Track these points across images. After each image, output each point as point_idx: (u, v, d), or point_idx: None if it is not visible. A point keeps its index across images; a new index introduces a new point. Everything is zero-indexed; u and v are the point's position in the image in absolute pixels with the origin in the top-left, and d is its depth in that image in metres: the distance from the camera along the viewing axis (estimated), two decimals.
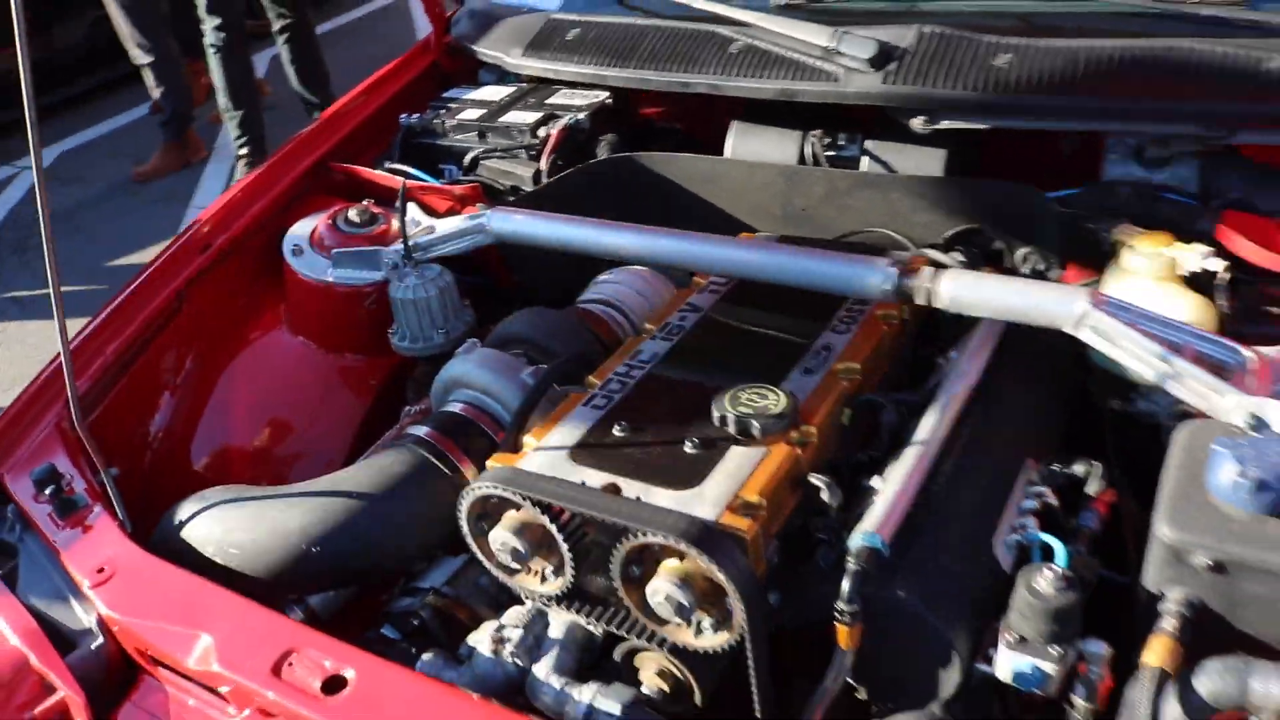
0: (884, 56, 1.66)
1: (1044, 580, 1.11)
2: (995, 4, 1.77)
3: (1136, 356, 1.26)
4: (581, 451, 1.31)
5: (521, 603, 1.38)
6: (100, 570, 1.37)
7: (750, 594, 1.14)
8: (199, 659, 1.24)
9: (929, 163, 1.77)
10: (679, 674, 1.27)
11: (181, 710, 1.32)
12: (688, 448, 1.28)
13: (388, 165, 2.01)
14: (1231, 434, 1.12)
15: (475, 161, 1.98)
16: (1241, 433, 1.14)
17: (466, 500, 1.29)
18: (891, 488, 1.24)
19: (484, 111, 2.05)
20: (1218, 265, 1.37)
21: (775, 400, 1.29)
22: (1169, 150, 1.56)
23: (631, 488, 1.24)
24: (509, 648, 1.31)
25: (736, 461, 1.25)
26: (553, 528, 1.23)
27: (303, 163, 1.98)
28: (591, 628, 1.33)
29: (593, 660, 1.34)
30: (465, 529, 1.32)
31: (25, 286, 4.42)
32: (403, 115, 2.08)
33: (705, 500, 1.20)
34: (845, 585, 1.14)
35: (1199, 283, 1.39)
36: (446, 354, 1.69)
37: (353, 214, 1.84)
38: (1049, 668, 1.11)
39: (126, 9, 4.80)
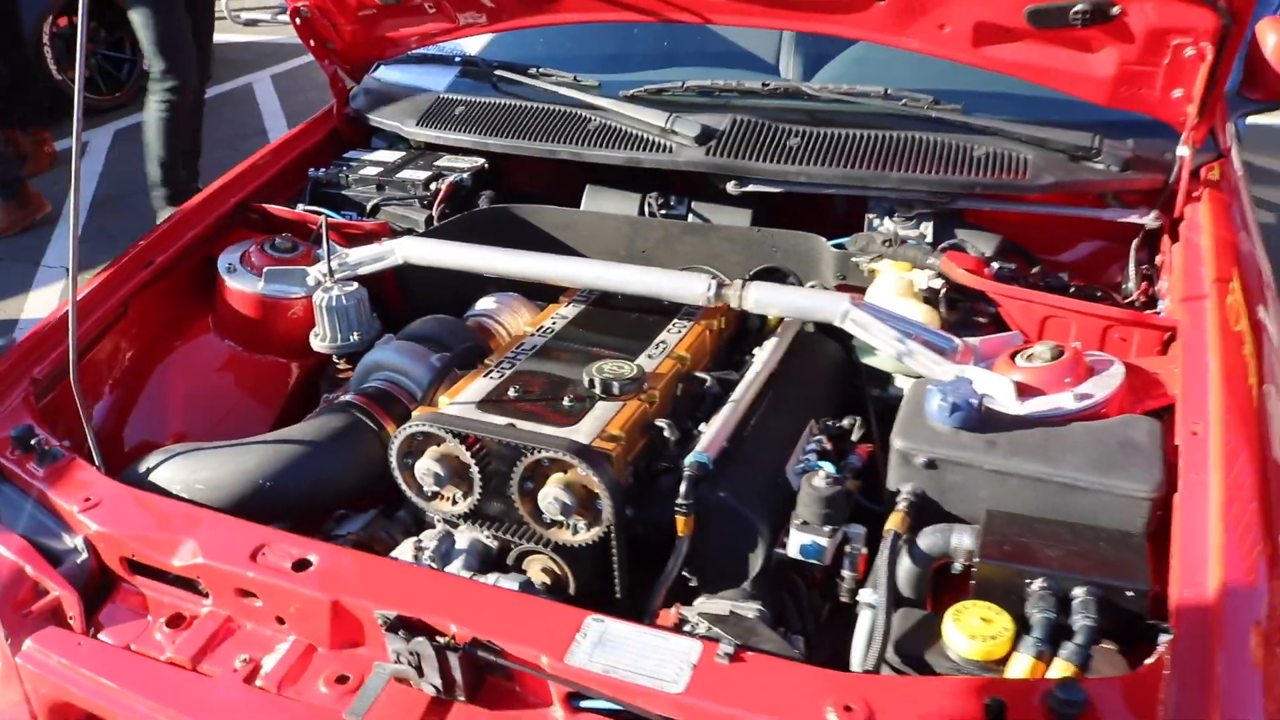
0: (706, 135, 2.20)
1: (819, 479, 1.60)
2: (788, 102, 2.33)
3: (882, 340, 1.79)
4: (485, 405, 1.74)
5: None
6: (87, 499, 1.69)
7: (615, 495, 1.59)
8: (184, 557, 1.58)
9: (739, 218, 2.30)
10: (559, 569, 1.69)
11: (158, 606, 1.64)
12: (565, 401, 1.73)
13: (303, 207, 2.41)
14: (938, 381, 1.66)
15: (377, 208, 2.40)
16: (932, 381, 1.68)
17: (400, 437, 1.70)
18: (712, 429, 1.72)
19: (381, 169, 2.49)
20: (939, 284, 1.94)
21: (630, 369, 1.77)
22: (912, 210, 2.14)
23: (525, 425, 1.68)
24: (426, 555, 1.70)
25: (602, 410, 1.71)
26: (467, 455, 1.65)
27: (227, 203, 2.36)
28: (489, 542, 1.74)
29: (489, 569, 1.74)
30: (394, 464, 1.72)
31: None
32: (311, 169, 2.50)
33: (581, 432, 1.65)
34: (683, 487, 1.60)
35: (929, 298, 1.96)
36: (359, 353, 2.09)
37: (278, 241, 2.23)
38: (824, 542, 1.59)
39: None
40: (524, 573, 1.71)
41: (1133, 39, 1.86)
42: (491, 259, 2.05)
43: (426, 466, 1.68)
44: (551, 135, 2.30)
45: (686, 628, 1.59)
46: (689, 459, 1.64)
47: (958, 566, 1.54)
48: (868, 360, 2.01)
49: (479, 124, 2.39)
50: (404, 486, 1.74)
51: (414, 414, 1.74)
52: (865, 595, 1.54)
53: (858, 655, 1.52)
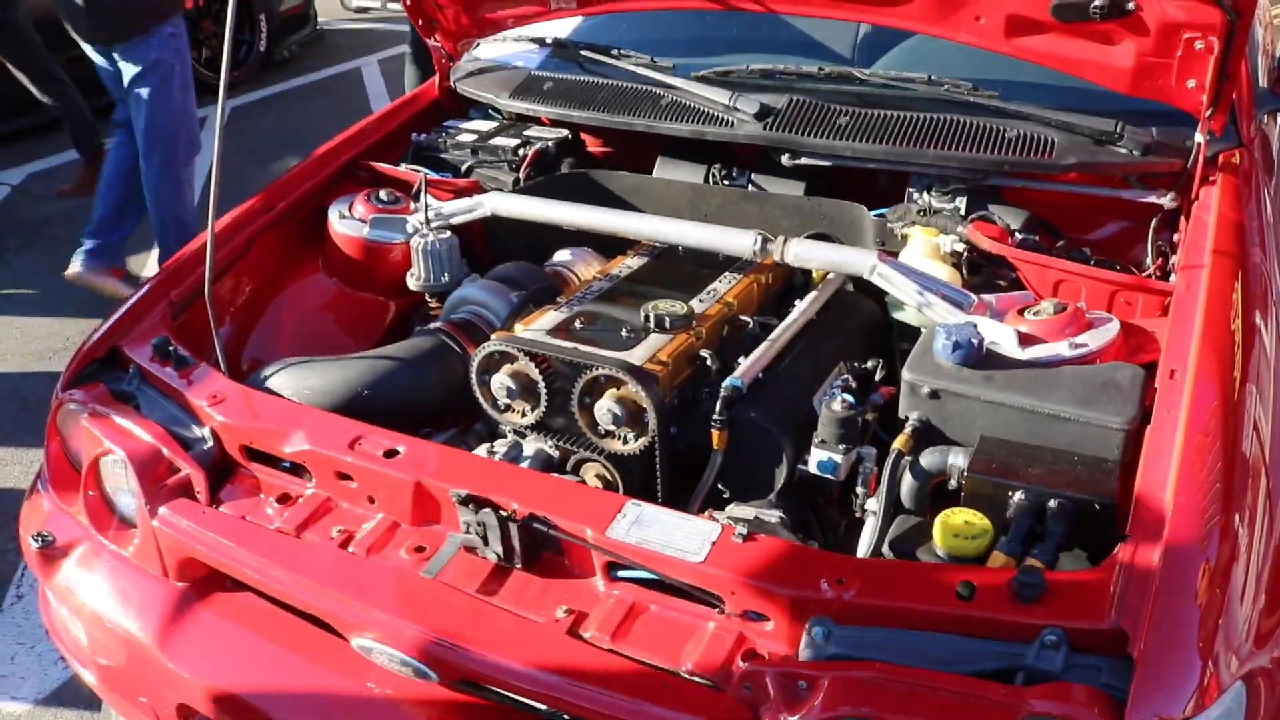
0: (765, 112, 2.44)
1: (837, 403, 1.84)
2: (840, 85, 2.57)
3: (905, 292, 2.02)
4: (554, 332, 2.01)
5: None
6: (214, 397, 2.00)
7: (660, 410, 1.85)
8: (294, 444, 1.88)
9: (793, 188, 2.54)
10: (610, 475, 1.95)
11: (269, 487, 1.95)
12: (624, 333, 2.00)
13: (406, 166, 2.71)
14: (945, 325, 1.89)
15: (470, 169, 2.70)
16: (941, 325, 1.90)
17: (479, 355, 1.98)
18: (749, 362, 1.97)
19: (476, 136, 2.78)
20: (961, 248, 2.16)
21: (681, 308, 2.02)
22: (948, 186, 2.36)
23: (587, 349, 1.95)
24: (497, 457, 1.98)
25: (654, 340, 1.97)
26: (536, 372, 1.93)
27: (340, 159, 2.67)
28: (551, 451, 2.01)
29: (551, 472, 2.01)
30: (474, 379, 2.00)
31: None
32: (414, 134, 2.80)
33: (634, 356, 1.91)
34: (718, 406, 1.85)
35: (953, 261, 2.18)
36: (448, 292, 2.38)
37: (383, 194, 2.54)
38: (839, 459, 1.83)
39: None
40: (579, 477, 1.98)
41: (1148, 32, 2.05)
42: (567, 213, 2.32)
43: (500, 381, 1.95)
44: (628, 110, 2.57)
45: None
46: (726, 383, 1.89)
47: (952, 483, 1.76)
48: (898, 315, 2.23)
49: (565, 98, 2.66)
50: (480, 399, 2.02)
51: (492, 337, 2.02)
52: (871, 504, 1.78)
53: (860, 553, 1.75)
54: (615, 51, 2.75)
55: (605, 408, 1.87)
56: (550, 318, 2.07)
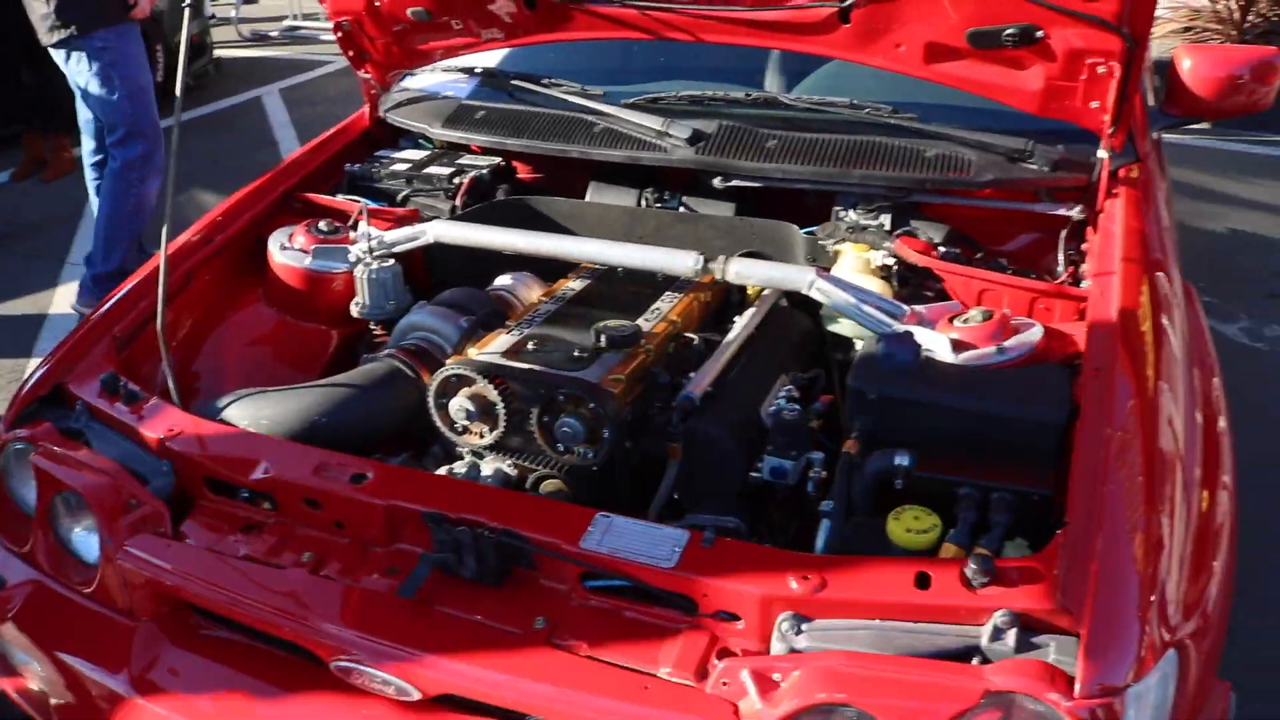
0: (696, 137, 2.54)
1: (786, 411, 1.93)
2: (767, 110, 2.68)
3: (841, 304, 2.13)
4: (509, 354, 2.07)
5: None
6: (171, 430, 2.00)
7: (618, 426, 1.92)
8: (259, 473, 1.89)
9: (724, 210, 2.65)
10: (569, 491, 2.01)
11: (233, 518, 1.96)
12: (576, 353, 2.06)
13: (343, 196, 2.74)
14: (885, 334, 2.00)
15: (406, 198, 2.74)
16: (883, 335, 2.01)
17: (437, 379, 2.02)
18: (699, 377, 2.05)
19: (409, 165, 2.83)
20: (891, 261, 2.28)
21: (630, 327, 2.10)
22: (873, 203, 2.49)
23: (543, 369, 2.01)
24: (457, 479, 2.02)
25: (607, 359, 2.04)
26: (495, 393, 1.98)
27: (275, 192, 2.69)
28: (510, 470, 2.06)
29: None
30: (431, 402, 2.05)
31: None
32: (347, 164, 2.83)
33: (590, 375, 1.98)
34: (674, 419, 1.93)
35: (883, 274, 2.30)
36: (393, 320, 2.42)
37: (323, 225, 2.56)
38: (790, 464, 1.92)
39: None
40: (540, 494, 2.03)
41: (1055, 58, 2.21)
42: (510, 239, 2.38)
43: (459, 404, 2.00)
44: (563, 137, 2.64)
45: None
46: (680, 397, 1.97)
47: (899, 482, 1.87)
48: (833, 328, 2.34)
49: (498, 127, 2.73)
50: (438, 422, 2.07)
51: (449, 361, 2.07)
52: (824, 506, 1.87)
53: (818, 551, 1.84)
54: (545, 80, 2.83)
55: (565, 426, 1.93)
56: (503, 341, 2.12)
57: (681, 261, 2.24)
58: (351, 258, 2.48)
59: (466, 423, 2.02)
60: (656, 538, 1.67)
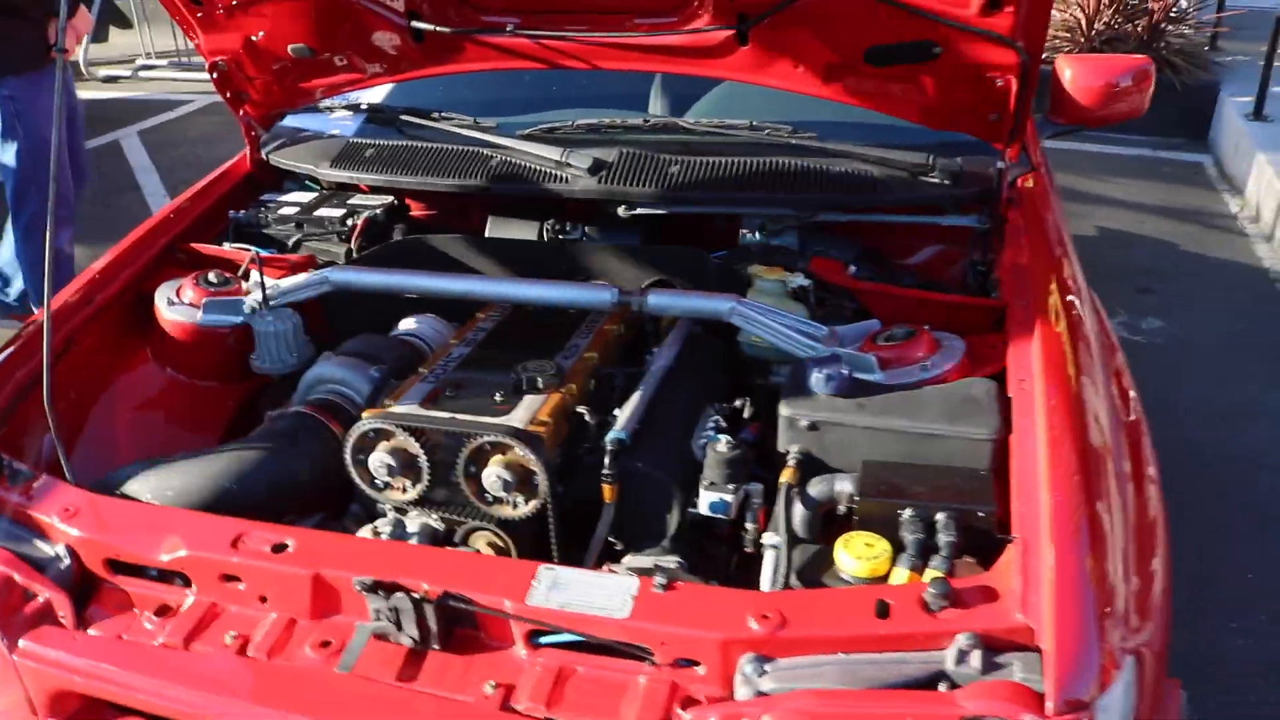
0: (598, 166, 2.49)
1: (721, 445, 1.89)
2: (667, 135, 2.65)
3: (764, 330, 2.11)
4: (427, 403, 1.98)
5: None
6: (66, 510, 1.85)
7: (549, 471, 1.85)
8: (169, 551, 1.76)
9: (629, 239, 2.60)
10: (502, 542, 1.93)
11: (143, 600, 1.81)
12: (497, 397, 1.99)
13: (229, 245, 2.60)
14: (814, 359, 1.98)
15: (299, 244, 2.62)
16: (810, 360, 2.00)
17: (354, 435, 1.92)
18: (626, 413, 1.99)
19: (298, 209, 2.70)
20: (806, 283, 2.27)
21: (550, 367, 2.03)
22: (780, 225, 2.48)
23: (466, 417, 1.92)
24: (383, 538, 1.92)
25: (529, 401, 1.97)
26: (416, 446, 1.89)
27: (157, 244, 2.54)
28: (436, 525, 1.97)
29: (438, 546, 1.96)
30: (349, 460, 1.94)
31: None
32: (231, 211, 2.69)
33: (515, 419, 1.91)
34: (606, 460, 1.87)
35: (799, 296, 2.29)
36: (297, 373, 2.30)
37: (211, 276, 2.42)
38: (729, 498, 1.88)
39: None
40: (470, 548, 1.95)
41: (952, 73, 2.24)
42: (416, 282, 2.29)
43: (379, 459, 1.90)
44: (459, 172, 2.56)
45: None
46: (609, 436, 1.91)
47: (842, 508, 1.85)
48: (752, 353, 2.31)
49: (390, 164, 2.63)
50: (358, 480, 1.96)
51: (365, 415, 1.97)
52: (767, 538, 1.84)
53: (765, 586, 1.81)
54: (435, 114, 2.75)
55: (494, 475, 1.85)
56: (419, 389, 2.03)
57: (597, 296, 2.19)
58: (246, 310, 2.35)
59: (388, 479, 1.93)
60: (606, 588, 1.61)
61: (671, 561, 1.89)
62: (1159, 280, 5.13)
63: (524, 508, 1.88)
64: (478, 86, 3.01)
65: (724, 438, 1.91)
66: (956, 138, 2.42)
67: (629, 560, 1.91)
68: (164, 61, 9.97)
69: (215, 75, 2.63)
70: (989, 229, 2.47)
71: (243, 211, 2.70)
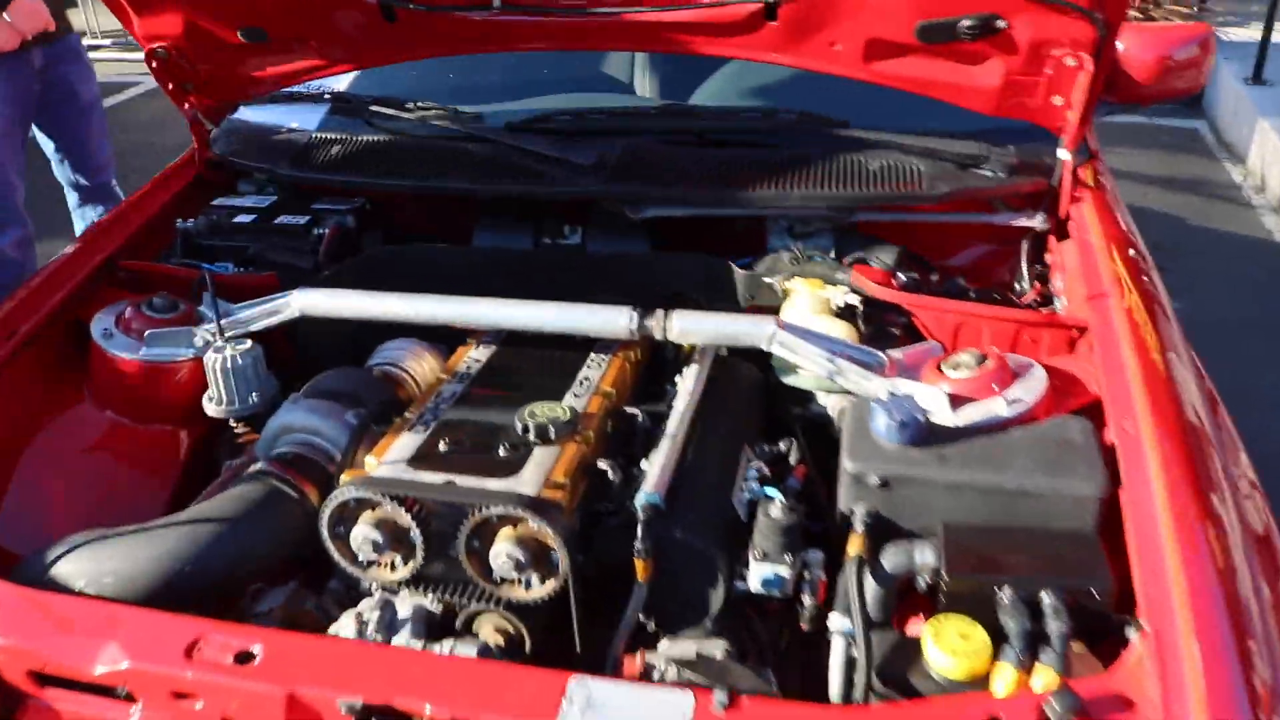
0: (601, 162, 2.16)
1: (775, 509, 1.59)
2: (676, 123, 2.32)
3: (811, 360, 1.79)
4: (417, 461, 1.65)
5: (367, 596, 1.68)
6: None
7: (571, 546, 1.54)
8: (107, 662, 1.43)
9: (635, 243, 2.27)
10: (513, 628, 1.62)
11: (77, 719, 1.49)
12: (501, 451, 1.66)
13: (178, 261, 2.25)
14: (881, 400, 1.67)
15: (258, 258, 2.27)
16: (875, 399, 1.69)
17: (331, 506, 1.59)
18: (656, 467, 1.68)
19: (255, 216, 2.35)
20: (855, 300, 1.96)
21: (563, 412, 1.71)
22: (811, 226, 2.17)
23: (464, 481, 1.60)
24: (370, 628, 1.60)
25: (541, 456, 1.65)
26: (407, 518, 1.56)
27: (92, 262, 2.18)
28: (432, 607, 1.65)
29: (438, 635, 1.65)
30: (325, 534, 1.62)
31: None
32: (179, 220, 2.33)
33: (525, 483, 1.59)
34: (640, 531, 1.55)
35: (843, 314, 1.97)
36: (258, 414, 1.96)
37: (156, 301, 2.07)
38: (785, 572, 1.58)
39: None
40: (476, 635, 1.63)
41: (1017, 51, 1.93)
42: (396, 306, 1.95)
43: (363, 534, 1.58)
44: (440, 171, 2.23)
45: (655, 675, 1.55)
46: (640, 500, 1.59)
47: (922, 583, 1.55)
48: (789, 380, 2.00)
49: (361, 163, 2.29)
50: (337, 556, 1.64)
51: (343, 479, 1.64)
52: (836, 623, 1.53)
53: (836, 685, 1.51)
54: (411, 104, 2.40)
55: (504, 553, 1.53)
56: (406, 442, 1.70)
57: (613, 321, 1.87)
58: (198, 341, 2.01)
59: (374, 555, 1.60)
60: (653, 708, 1.30)
61: (717, 648, 1.59)
62: (1169, 259, 4.82)
63: (539, 589, 1.57)
64: (445, 70, 2.65)
65: (777, 498, 1.60)
66: (998, 123, 2.11)
67: (667, 648, 1.60)
68: (109, 41, 9.45)
69: (154, 64, 2.26)
70: (1048, 228, 2.17)
71: (191, 221, 2.34)
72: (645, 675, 1.55)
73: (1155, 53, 2.38)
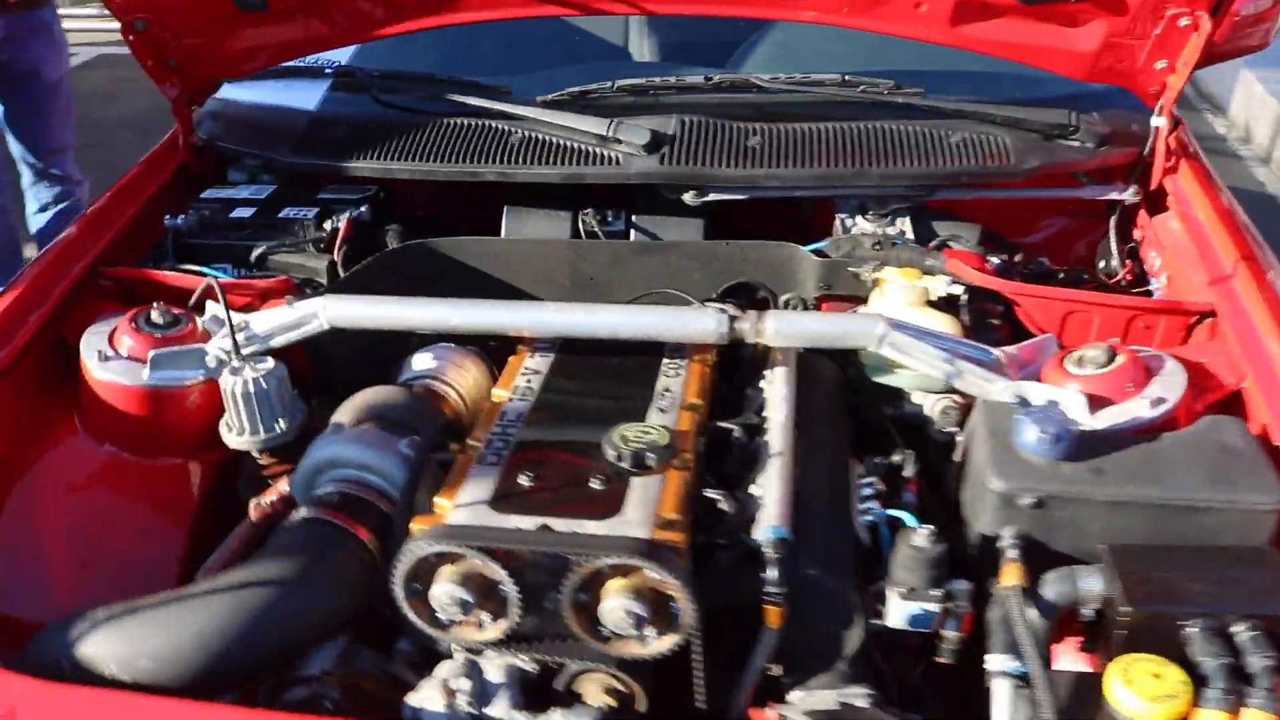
0: (657, 141, 1.94)
1: (920, 538, 1.40)
2: (733, 96, 2.09)
3: (926, 362, 1.60)
4: (500, 502, 1.43)
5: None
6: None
7: (695, 595, 1.33)
8: None
9: (690, 230, 2.05)
10: (623, 687, 1.41)
11: None
12: (594, 484, 1.44)
13: (170, 266, 1.97)
14: (1016, 410, 1.49)
15: (263, 258, 2.00)
16: (1021, 409, 1.51)
17: (408, 561, 1.36)
18: (773, 493, 1.47)
19: (255, 209, 2.07)
20: (958, 290, 1.77)
21: (660, 434, 1.49)
22: (886, 207, 1.97)
23: (561, 524, 1.38)
24: (461, 699, 1.38)
25: (642, 489, 1.43)
26: (501, 572, 1.34)
27: (73, 270, 1.89)
28: (527, 666, 1.44)
29: (536, 702, 1.44)
30: (400, 593, 1.39)
31: None
32: (167, 217, 2.05)
33: (633, 524, 1.37)
34: (774, 572, 1.35)
35: (946, 306, 1.79)
36: (287, 444, 1.72)
37: (155, 315, 1.80)
38: (934, 608, 1.40)
39: None
40: (579, 696, 1.43)
41: (1126, 11, 1.75)
42: (447, 314, 1.71)
43: (448, 592, 1.35)
44: (470, 154, 1.98)
45: None
46: (765, 535, 1.39)
47: (1088, 613, 1.38)
48: (881, 379, 1.81)
49: (378, 147, 2.03)
50: (413, 617, 1.41)
51: (414, 528, 1.41)
52: (997, 663, 1.36)
53: None
54: (429, 78, 2.13)
55: (620, 609, 1.32)
56: (481, 478, 1.47)
57: (699, 325, 1.66)
58: (210, 362, 1.75)
59: (460, 615, 1.38)
60: None
61: (859, 696, 1.40)
62: None
63: (658, 643, 1.36)
64: (466, 41, 2.39)
65: (924, 529, 1.41)
66: (1075, 87, 1.94)
67: (803, 700, 1.41)
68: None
69: (133, 38, 1.96)
70: (1138, 202, 2.00)
71: (181, 217, 2.06)
72: None
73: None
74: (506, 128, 2.02)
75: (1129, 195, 1.98)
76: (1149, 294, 1.92)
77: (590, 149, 1.96)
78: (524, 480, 1.46)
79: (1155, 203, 1.99)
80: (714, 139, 1.94)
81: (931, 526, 1.41)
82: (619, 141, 1.94)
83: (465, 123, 2.04)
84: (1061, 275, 1.93)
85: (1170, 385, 1.56)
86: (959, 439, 1.68)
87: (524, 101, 2.06)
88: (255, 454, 1.75)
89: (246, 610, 1.39)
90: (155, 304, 1.83)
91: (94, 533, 1.72)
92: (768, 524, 1.41)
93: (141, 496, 1.78)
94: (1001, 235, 2.05)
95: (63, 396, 1.82)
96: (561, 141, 1.97)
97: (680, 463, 1.49)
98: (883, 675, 1.49)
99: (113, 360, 1.75)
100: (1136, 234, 2.01)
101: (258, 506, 1.69)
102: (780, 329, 1.64)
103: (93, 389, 1.76)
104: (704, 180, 1.93)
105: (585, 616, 1.36)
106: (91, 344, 1.78)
